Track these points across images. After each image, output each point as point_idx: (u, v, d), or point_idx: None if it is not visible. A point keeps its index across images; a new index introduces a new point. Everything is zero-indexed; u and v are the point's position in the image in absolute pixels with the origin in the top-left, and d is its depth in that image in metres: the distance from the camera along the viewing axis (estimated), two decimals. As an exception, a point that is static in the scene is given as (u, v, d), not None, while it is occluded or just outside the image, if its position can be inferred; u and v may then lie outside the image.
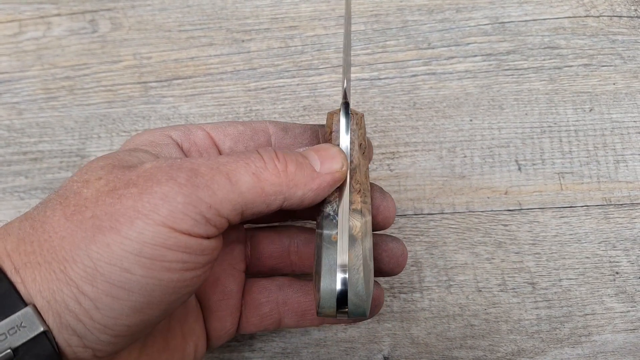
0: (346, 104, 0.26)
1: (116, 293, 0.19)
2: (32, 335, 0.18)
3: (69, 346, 0.19)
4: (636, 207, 0.35)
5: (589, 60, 0.39)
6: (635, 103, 0.37)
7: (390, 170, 0.36)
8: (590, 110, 0.37)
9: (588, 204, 0.35)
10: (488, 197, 0.35)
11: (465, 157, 0.36)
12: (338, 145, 0.25)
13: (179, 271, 0.20)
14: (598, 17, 0.40)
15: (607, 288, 0.33)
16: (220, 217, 0.21)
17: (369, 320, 0.33)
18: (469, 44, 0.39)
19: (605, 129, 0.37)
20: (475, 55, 0.39)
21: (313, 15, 0.40)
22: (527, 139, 0.37)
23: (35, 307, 0.19)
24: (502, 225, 0.35)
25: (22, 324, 0.18)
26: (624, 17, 0.40)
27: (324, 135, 0.27)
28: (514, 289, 0.33)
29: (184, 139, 0.26)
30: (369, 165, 0.28)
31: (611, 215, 0.35)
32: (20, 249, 0.19)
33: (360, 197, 0.25)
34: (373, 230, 0.26)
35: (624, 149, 0.36)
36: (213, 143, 0.26)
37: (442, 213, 0.35)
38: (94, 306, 0.19)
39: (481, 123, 0.37)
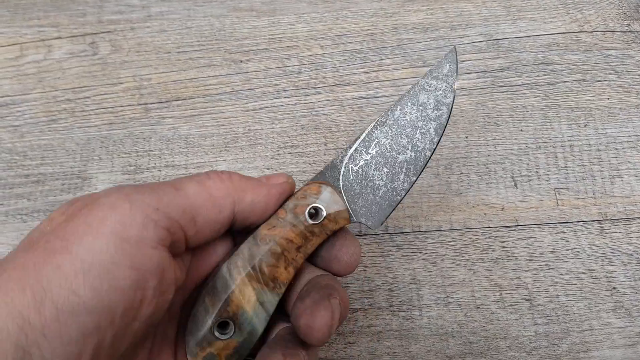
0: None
1: (64, 319, 0.19)
2: None
3: None
4: (632, 222, 0.35)
5: (583, 76, 0.39)
6: (630, 117, 0.38)
7: (388, 188, 0.37)
8: (585, 126, 0.38)
9: (584, 220, 0.35)
10: (485, 214, 0.36)
11: (461, 174, 0.37)
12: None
13: (127, 292, 0.20)
14: (591, 32, 0.40)
15: (605, 303, 0.33)
16: (169, 220, 0.21)
17: (368, 338, 0.33)
18: (463, 61, 0.40)
19: (600, 144, 0.37)
20: (470, 73, 0.39)
21: (310, 35, 0.41)
22: (523, 155, 0.37)
23: None
24: (500, 241, 0.35)
25: None
26: (617, 32, 0.40)
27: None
28: (511, 305, 0.34)
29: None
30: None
31: (607, 231, 0.35)
32: None
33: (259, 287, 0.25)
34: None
35: (619, 163, 0.37)
36: None
37: (440, 230, 0.35)
38: (41, 334, 0.19)
39: (477, 140, 0.37)
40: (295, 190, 0.27)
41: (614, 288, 0.34)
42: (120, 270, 0.20)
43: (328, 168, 0.28)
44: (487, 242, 0.35)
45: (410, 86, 0.28)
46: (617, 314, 0.33)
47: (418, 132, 0.28)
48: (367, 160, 0.28)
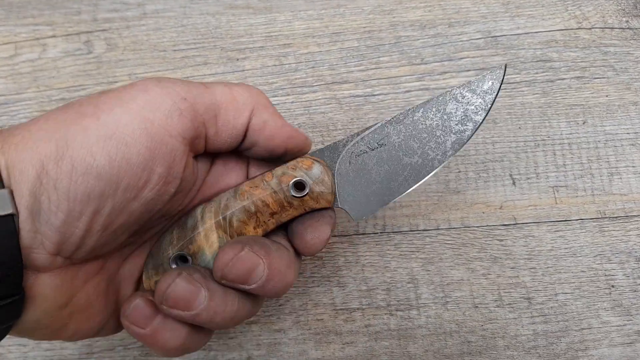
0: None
1: (76, 177, 0.20)
2: (2, 213, 0.20)
3: (28, 232, 0.21)
4: (631, 220, 0.35)
5: (582, 73, 0.39)
6: (628, 115, 0.38)
7: (386, 186, 0.36)
8: (583, 123, 0.37)
9: (583, 218, 0.35)
10: (483, 212, 0.35)
11: (459, 172, 0.36)
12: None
13: (136, 169, 0.21)
14: (590, 29, 0.40)
15: (603, 302, 0.33)
16: (194, 112, 0.23)
17: (365, 338, 0.33)
18: (461, 58, 0.39)
19: (599, 141, 0.37)
20: (468, 70, 0.39)
21: (307, 32, 0.41)
22: (521, 153, 0.37)
23: (11, 192, 0.20)
24: (498, 240, 0.35)
25: None
26: (616, 28, 0.40)
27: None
28: (510, 304, 0.33)
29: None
30: None
31: (606, 228, 0.35)
32: (8, 137, 0.21)
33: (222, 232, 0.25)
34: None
35: (617, 161, 0.36)
36: None
37: (438, 229, 0.35)
38: (53, 186, 0.20)
39: (475, 137, 0.37)
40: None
41: (613, 286, 0.34)
42: (137, 147, 0.21)
43: (329, 148, 0.27)
44: (486, 240, 0.35)
45: (442, 91, 0.27)
46: (616, 312, 0.33)
47: (433, 141, 0.26)
48: (370, 152, 0.27)
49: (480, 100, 0.26)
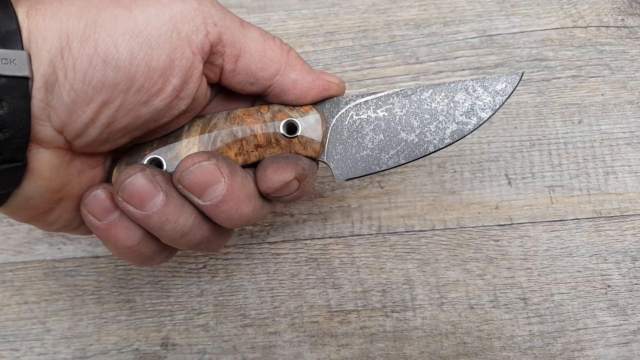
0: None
1: (95, 62, 0.21)
2: (18, 74, 0.20)
3: (39, 102, 0.21)
4: (626, 219, 0.35)
5: (577, 72, 0.39)
6: (624, 114, 0.37)
7: (381, 187, 0.36)
8: (579, 122, 0.37)
9: (578, 217, 0.35)
10: (479, 213, 0.35)
11: (455, 172, 0.36)
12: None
13: (153, 73, 0.21)
14: (585, 27, 0.40)
15: (599, 302, 0.33)
16: (219, 39, 0.23)
17: (361, 340, 0.33)
18: (456, 57, 0.39)
19: (595, 140, 0.37)
20: (463, 69, 0.39)
21: (301, 32, 0.40)
22: (517, 152, 0.37)
23: (29, 56, 0.20)
24: (493, 240, 0.35)
25: (14, 61, 0.20)
26: (612, 27, 0.40)
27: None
28: (506, 305, 0.33)
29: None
30: None
31: (602, 228, 0.35)
32: (35, 3, 0.21)
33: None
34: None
35: (613, 160, 0.36)
36: None
37: (433, 229, 0.35)
38: (72, 65, 0.21)
39: (470, 137, 0.37)
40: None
41: (609, 286, 0.33)
42: (158, 51, 0.21)
43: (330, 102, 0.27)
44: (481, 241, 0.35)
45: (455, 80, 0.27)
46: (612, 312, 0.33)
47: (434, 124, 0.26)
48: (370, 117, 0.27)
49: (490, 98, 0.26)
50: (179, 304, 0.34)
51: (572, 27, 0.40)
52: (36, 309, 0.35)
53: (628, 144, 0.37)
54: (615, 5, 0.40)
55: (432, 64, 0.39)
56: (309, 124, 0.26)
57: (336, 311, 0.33)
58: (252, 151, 0.26)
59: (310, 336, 0.33)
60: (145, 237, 0.24)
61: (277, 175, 0.25)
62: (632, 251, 0.34)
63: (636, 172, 0.36)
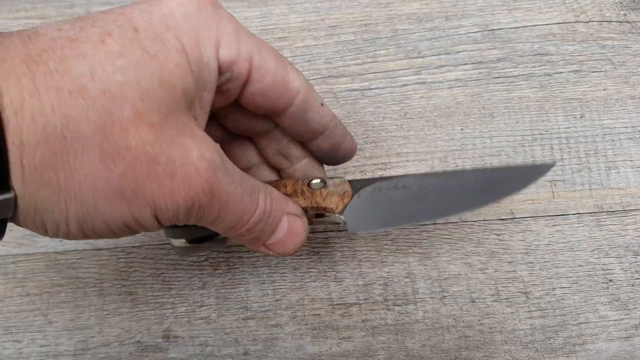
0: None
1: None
2: None
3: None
4: (628, 214, 0.35)
5: (579, 67, 0.39)
6: (626, 109, 0.37)
7: (382, 181, 0.36)
8: (581, 117, 0.37)
9: (580, 212, 0.35)
10: (480, 207, 0.35)
11: (457, 166, 0.36)
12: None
13: (169, 62, 0.22)
14: (587, 22, 0.40)
15: (601, 296, 0.33)
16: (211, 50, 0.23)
17: (362, 333, 0.33)
18: (459, 52, 0.39)
19: (597, 135, 0.37)
20: (466, 64, 0.39)
21: (302, 25, 0.40)
22: (519, 147, 0.37)
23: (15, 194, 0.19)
24: (495, 234, 0.35)
25: None
26: (614, 22, 0.40)
27: None
28: (507, 299, 0.33)
29: None
30: None
31: (603, 223, 0.35)
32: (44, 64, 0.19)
33: None
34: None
35: (615, 155, 0.36)
36: None
37: (435, 223, 0.35)
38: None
39: (472, 132, 0.37)
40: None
41: (610, 280, 0.33)
42: (171, 41, 0.22)
43: (361, 181, 0.29)
44: (483, 235, 0.35)
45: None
46: (613, 307, 0.33)
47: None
48: (393, 189, 0.29)
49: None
50: (180, 296, 0.34)
51: (575, 22, 0.40)
52: (38, 301, 0.35)
53: (630, 138, 0.37)
54: (617, 0, 0.40)
55: (434, 58, 0.39)
56: (335, 183, 0.28)
57: (338, 304, 0.33)
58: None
59: (312, 329, 0.33)
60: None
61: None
62: (633, 246, 0.34)
63: (638, 167, 0.36)
